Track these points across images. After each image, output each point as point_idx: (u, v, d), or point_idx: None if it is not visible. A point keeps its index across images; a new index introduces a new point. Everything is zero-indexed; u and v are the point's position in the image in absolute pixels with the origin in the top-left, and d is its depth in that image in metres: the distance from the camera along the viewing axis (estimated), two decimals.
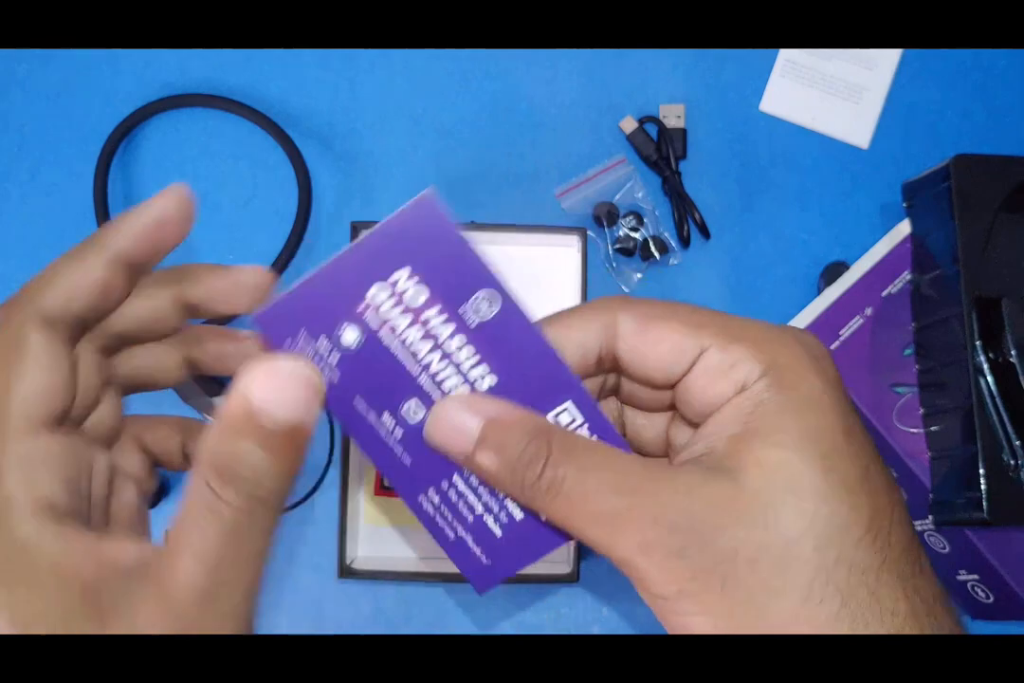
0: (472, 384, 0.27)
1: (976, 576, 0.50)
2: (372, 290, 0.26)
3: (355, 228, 0.52)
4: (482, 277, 0.26)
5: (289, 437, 0.24)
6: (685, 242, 0.57)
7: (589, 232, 0.53)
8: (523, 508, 0.28)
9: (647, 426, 0.30)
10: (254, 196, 0.57)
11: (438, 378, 0.27)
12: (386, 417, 0.27)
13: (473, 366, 0.27)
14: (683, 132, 0.58)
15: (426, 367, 0.27)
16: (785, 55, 0.59)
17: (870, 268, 0.52)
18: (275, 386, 0.23)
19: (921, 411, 0.50)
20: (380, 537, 0.53)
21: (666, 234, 0.57)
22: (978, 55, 0.59)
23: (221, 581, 0.22)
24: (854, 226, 0.58)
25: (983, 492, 0.45)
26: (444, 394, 0.27)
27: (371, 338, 0.26)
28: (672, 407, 0.29)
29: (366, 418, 0.27)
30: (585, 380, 0.28)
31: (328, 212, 0.57)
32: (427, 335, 0.26)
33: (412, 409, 0.27)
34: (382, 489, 0.52)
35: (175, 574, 0.22)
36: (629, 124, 0.57)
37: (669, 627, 0.26)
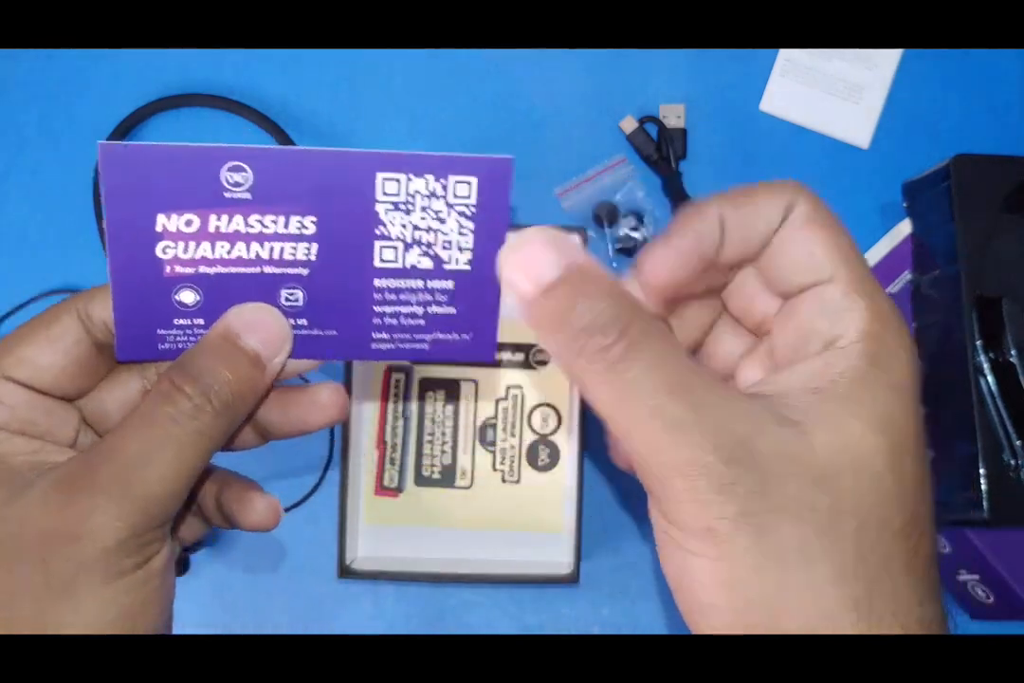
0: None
1: (976, 576, 0.50)
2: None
3: None
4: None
5: (251, 362, 0.26)
6: None
7: (589, 232, 0.53)
8: (449, 275, 0.28)
9: (728, 341, 0.29)
10: None
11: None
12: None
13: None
14: (683, 132, 0.58)
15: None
16: (785, 55, 0.59)
17: (870, 268, 0.52)
18: (254, 321, 0.26)
19: None
20: (380, 537, 0.53)
21: None
22: (978, 55, 0.59)
23: (148, 456, 0.24)
24: (854, 226, 0.57)
25: (983, 492, 0.45)
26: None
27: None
28: (762, 335, 0.28)
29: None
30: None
31: None
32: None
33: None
34: (382, 489, 0.52)
35: (105, 447, 0.25)
36: (629, 124, 0.57)
37: (666, 561, 0.25)
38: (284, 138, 0.55)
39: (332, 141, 0.58)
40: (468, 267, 0.27)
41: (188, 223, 0.26)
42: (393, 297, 0.27)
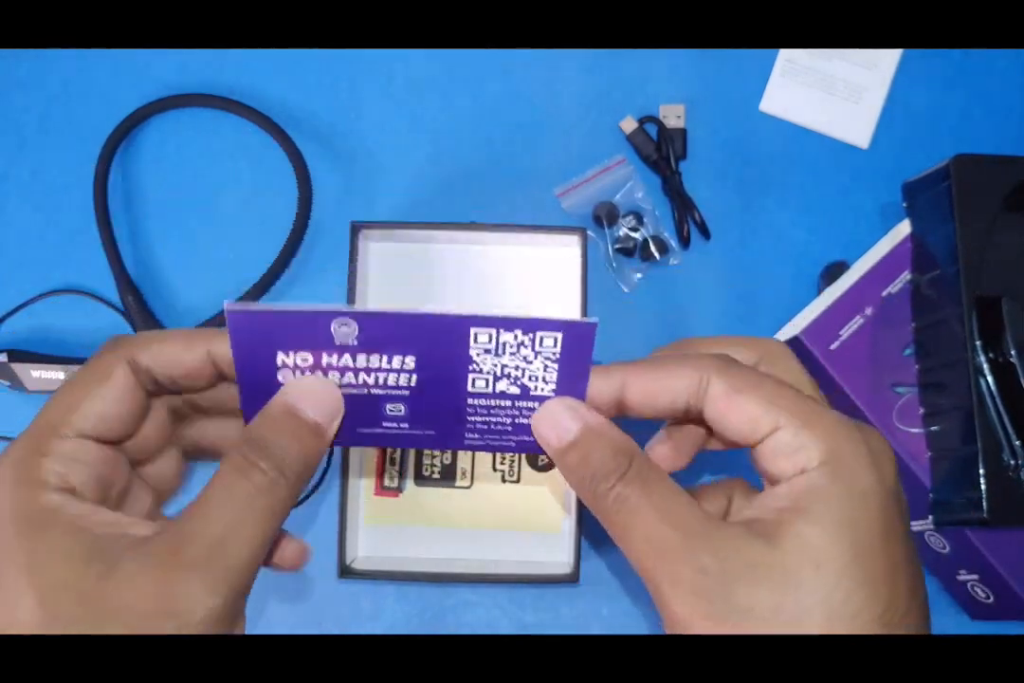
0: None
1: (976, 576, 0.50)
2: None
3: (355, 228, 0.52)
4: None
5: (313, 432, 0.29)
6: (685, 242, 0.57)
7: (589, 232, 0.53)
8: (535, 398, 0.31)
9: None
10: (254, 196, 0.57)
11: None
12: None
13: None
14: (683, 132, 0.58)
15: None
16: (785, 55, 0.59)
17: (870, 268, 0.52)
18: (309, 392, 0.29)
19: (921, 411, 0.50)
20: (380, 537, 0.53)
21: (666, 234, 0.57)
22: (978, 55, 0.59)
23: (235, 532, 0.26)
24: (854, 226, 0.58)
25: (983, 492, 0.45)
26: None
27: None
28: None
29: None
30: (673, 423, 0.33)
31: (328, 212, 0.57)
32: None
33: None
34: (382, 489, 0.52)
35: (192, 524, 0.26)
36: (629, 124, 0.57)
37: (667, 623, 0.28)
38: (284, 138, 0.55)
39: (332, 141, 0.58)
40: (552, 394, 0.31)
41: (304, 359, 0.29)
42: (484, 411, 0.31)
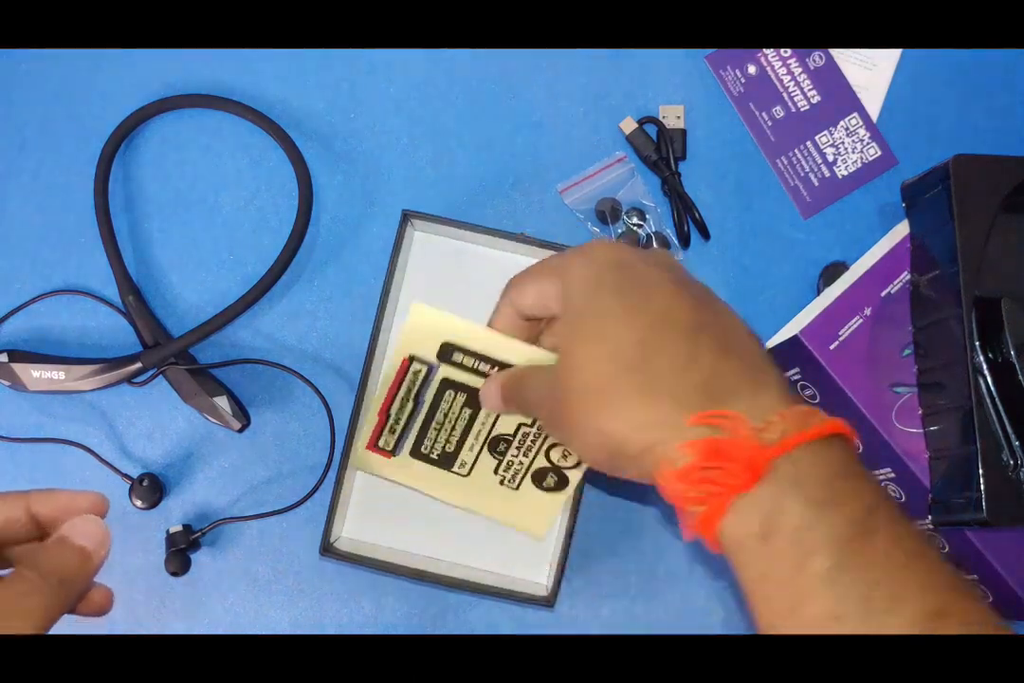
0: None
1: (976, 576, 0.50)
2: None
3: (405, 216, 0.53)
4: None
5: (80, 555, 0.33)
6: (685, 242, 0.57)
7: (594, 228, 0.53)
8: None
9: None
10: (254, 196, 0.57)
11: None
12: None
13: None
14: (683, 133, 0.58)
15: None
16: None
17: (869, 268, 0.52)
18: (80, 526, 0.34)
19: (920, 411, 0.50)
20: (366, 516, 0.54)
21: (668, 231, 0.57)
22: (978, 55, 0.59)
23: (7, 617, 0.31)
24: (854, 226, 0.58)
25: (982, 492, 0.45)
26: None
27: None
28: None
29: None
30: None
31: (328, 212, 0.57)
32: None
33: None
34: (376, 448, 0.47)
35: None
36: (629, 125, 0.58)
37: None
38: (284, 138, 0.55)
39: (332, 141, 0.58)
40: None
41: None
42: None
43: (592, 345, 0.35)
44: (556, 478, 0.46)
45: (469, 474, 0.48)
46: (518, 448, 0.46)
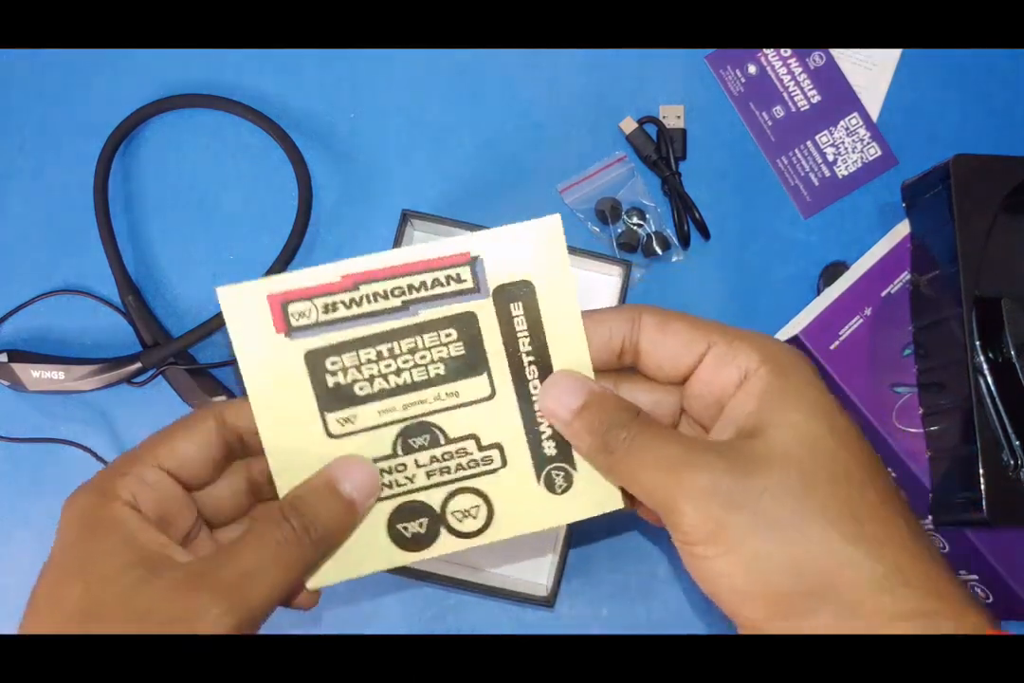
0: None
1: (976, 576, 0.50)
2: None
3: (404, 215, 0.52)
4: None
5: (346, 506, 0.32)
6: (685, 242, 0.57)
7: (594, 227, 0.53)
8: None
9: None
10: (254, 196, 0.57)
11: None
12: None
13: None
14: (683, 132, 0.58)
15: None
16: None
17: (870, 268, 0.52)
18: (350, 470, 0.33)
19: (921, 411, 0.50)
20: None
21: (668, 231, 0.57)
22: (978, 55, 0.59)
23: (257, 571, 0.30)
24: (854, 226, 0.58)
25: (982, 492, 0.45)
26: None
27: None
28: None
29: None
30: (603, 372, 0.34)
31: (328, 212, 0.57)
32: None
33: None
34: None
35: (224, 558, 0.30)
36: (629, 125, 0.58)
37: (698, 578, 0.31)
38: (284, 138, 0.55)
39: (332, 141, 0.58)
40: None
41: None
42: None
43: (835, 455, 0.30)
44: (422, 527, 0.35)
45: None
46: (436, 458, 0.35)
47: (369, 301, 0.33)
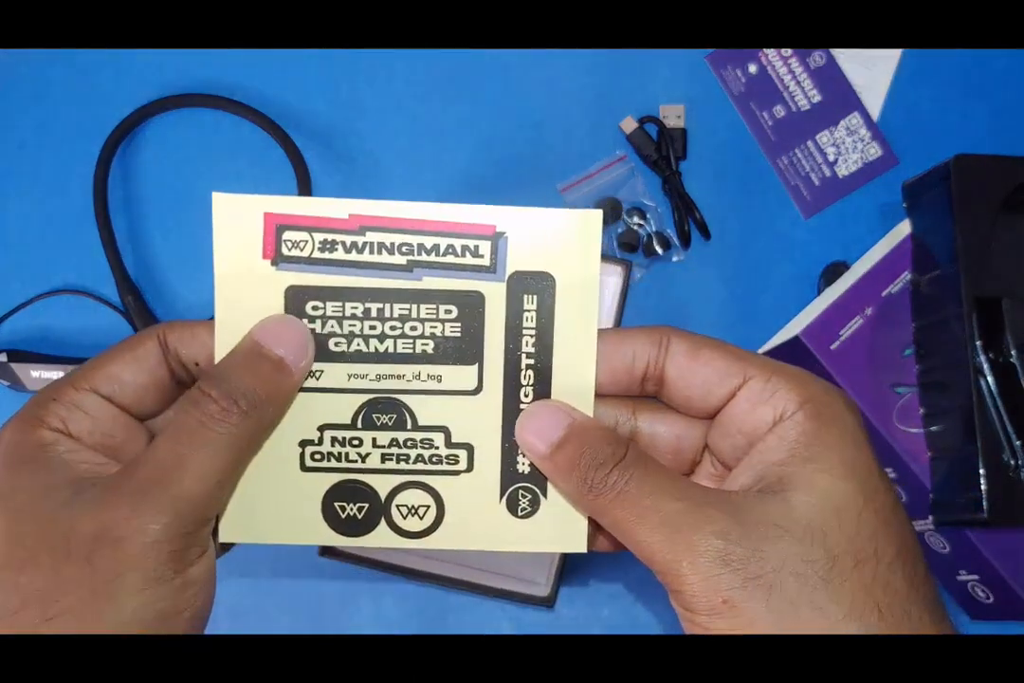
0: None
1: (976, 576, 0.50)
2: None
3: None
4: None
5: (275, 366, 0.28)
6: (685, 242, 0.57)
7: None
8: None
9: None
10: None
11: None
12: None
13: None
14: (683, 132, 0.58)
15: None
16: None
17: (870, 268, 0.52)
18: (273, 328, 0.29)
19: (921, 411, 0.50)
20: None
21: (668, 231, 0.57)
22: (978, 55, 0.59)
23: (181, 459, 0.27)
24: (854, 226, 0.58)
25: (983, 492, 0.45)
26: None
27: None
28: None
29: None
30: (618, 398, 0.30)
31: None
32: None
33: None
34: None
35: (143, 454, 0.27)
36: (629, 124, 0.57)
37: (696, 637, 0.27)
38: (284, 138, 0.55)
39: (332, 141, 0.58)
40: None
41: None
42: None
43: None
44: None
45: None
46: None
47: (372, 251, 0.30)
